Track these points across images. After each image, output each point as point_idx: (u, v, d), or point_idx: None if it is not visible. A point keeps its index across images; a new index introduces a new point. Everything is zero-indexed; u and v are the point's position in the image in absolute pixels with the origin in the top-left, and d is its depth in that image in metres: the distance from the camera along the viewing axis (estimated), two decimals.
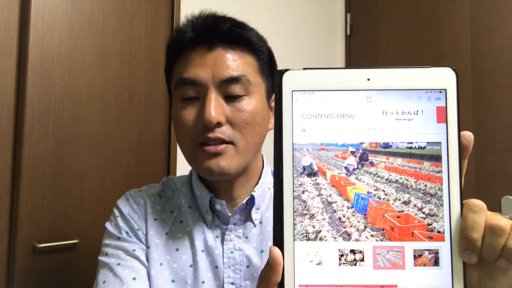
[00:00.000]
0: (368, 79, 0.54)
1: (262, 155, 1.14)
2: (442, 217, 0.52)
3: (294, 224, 0.52)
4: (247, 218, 1.05)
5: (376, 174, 0.54)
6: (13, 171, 1.48)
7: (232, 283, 0.99)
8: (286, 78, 0.55)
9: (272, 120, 1.06)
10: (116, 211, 1.08)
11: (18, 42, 1.49)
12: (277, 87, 0.55)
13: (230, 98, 0.98)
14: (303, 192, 0.53)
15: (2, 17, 1.46)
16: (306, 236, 0.52)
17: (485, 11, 2.13)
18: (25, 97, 1.48)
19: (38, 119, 1.51)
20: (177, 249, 1.02)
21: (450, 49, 2.25)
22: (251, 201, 1.04)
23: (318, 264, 0.52)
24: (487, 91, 2.10)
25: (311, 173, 0.53)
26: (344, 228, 0.52)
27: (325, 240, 0.52)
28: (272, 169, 1.03)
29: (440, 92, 0.54)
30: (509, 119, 2.03)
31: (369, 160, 0.54)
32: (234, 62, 0.98)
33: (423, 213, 0.53)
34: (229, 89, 0.97)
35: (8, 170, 1.47)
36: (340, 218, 0.52)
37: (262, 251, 1.02)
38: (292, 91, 0.54)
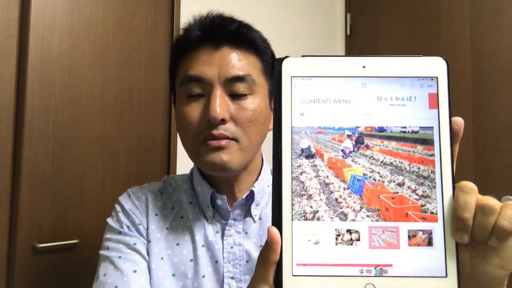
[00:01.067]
0: (364, 67, 0.56)
1: (262, 153, 1.15)
2: (435, 199, 0.54)
3: (292, 205, 0.53)
4: (247, 213, 1.07)
5: (372, 156, 0.55)
6: (13, 171, 1.48)
7: (232, 278, 1.01)
8: (285, 64, 0.56)
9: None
10: (117, 207, 1.09)
11: (18, 42, 1.50)
12: (276, 73, 0.56)
13: (235, 97, 1.00)
14: (301, 173, 0.54)
15: (2, 17, 1.46)
16: (304, 216, 0.53)
17: (485, 11, 2.14)
18: (25, 97, 1.48)
19: (38, 119, 1.51)
20: (177, 244, 1.03)
21: (450, 49, 2.26)
22: (251, 196, 1.06)
23: (316, 243, 0.53)
24: (487, 91, 2.10)
25: (309, 155, 0.55)
26: (341, 208, 0.53)
27: (322, 220, 0.53)
28: (271, 168, 1.04)
29: (432, 79, 0.56)
30: (509, 119, 2.03)
31: (365, 143, 0.55)
32: (240, 62, 1.01)
33: (417, 194, 0.54)
34: (234, 87, 0.99)
35: (8, 170, 1.47)
36: (337, 199, 0.53)
37: (261, 246, 1.03)
38: (291, 77, 0.56)
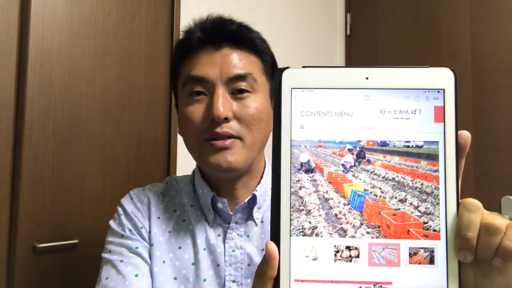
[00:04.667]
0: (367, 78, 0.55)
1: (265, 156, 1.15)
2: (438, 216, 0.53)
3: (291, 220, 0.53)
4: (249, 217, 1.06)
5: (373, 172, 0.54)
6: (13, 171, 1.48)
7: (234, 281, 1.01)
8: (285, 76, 0.55)
9: None
10: (120, 209, 1.09)
11: (18, 42, 1.49)
12: (276, 85, 0.55)
13: (237, 95, 1.01)
14: (300, 188, 0.54)
15: (2, 17, 1.46)
16: (302, 231, 0.53)
17: (485, 11, 2.13)
18: (25, 97, 1.48)
19: (38, 119, 1.51)
20: (179, 247, 1.04)
21: (450, 49, 2.25)
22: (253, 200, 1.06)
23: (314, 259, 0.52)
24: (487, 91, 2.10)
25: (309, 170, 0.54)
26: (340, 224, 0.53)
27: (321, 236, 0.53)
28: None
29: (438, 92, 0.54)
30: (509, 119, 2.03)
31: (366, 158, 0.54)
32: (241, 62, 1.02)
33: (419, 211, 0.53)
34: (236, 86, 1.00)
35: (8, 170, 1.47)
36: (336, 215, 0.53)
37: (263, 249, 1.03)
38: (291, 88, 0.55)
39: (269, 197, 1.08)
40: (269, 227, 1.04)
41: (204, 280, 1.00)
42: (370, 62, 2.62)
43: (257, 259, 1.02)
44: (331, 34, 2.76)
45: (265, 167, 1.14)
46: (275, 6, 2.42)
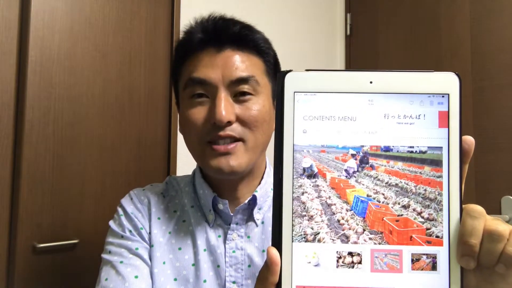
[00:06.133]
0: (371, 82, 0.54)
1: (266, 156, 1.15)
2: (441, 222, 0.53)
3: (293, 225, 0.53)
4: (249, 218, 1.06)
5: (376, 177, 0.54)
6: (13, 171, 1.47)
7: (234, 282, 1.00)
8: (288, 79, 0.55)
9: None
10: (120, 210, 1.09)
11: (18, 42, 1.49)
12: (279, 88, 0.55)
13: (239, 98, 1.00)
14: (303, 193, 0.53)
15: (2, 17, 1.45)
16: (304, 237, 0.53)
17: (485, 11, 2.13)
18: (25, 97, 1.48)
19: (38, 119, 1.50)
20: (179, 248, 1.03)
21: (450, 49, 2.25)
22: (253, 201, 1.05)
23: (316, 265, 0.52)
24: (487, 91, 2.10)
25: (311, 175, 0.54)
26: (343, 230, 0.52)
27: (323, 242, 0.52)
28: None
29: (443, 96, 0.54)
30: (509, 120, 2.03)
31: (370, 163, 0.54)
32: (243, 64, 1.01)
33: (422, 217, 0.53)
34: (238, 89, 0.99)
35: (8, 170, 1.46)
36: (339, 221, 0.53)
37: (263, 250, 1.03)
38: (294, 92, 0.54)
39: (270, 197, 1.08)
40: (269, 228, 1.04)
41: (204, 281, 1.00)
42: (370, 63, 2.62)
43: (258, 260, 1.02)
44: (331, 34, 2.76)
45: (265, 167, 1.13)
46: (275, 6, 2.41)
